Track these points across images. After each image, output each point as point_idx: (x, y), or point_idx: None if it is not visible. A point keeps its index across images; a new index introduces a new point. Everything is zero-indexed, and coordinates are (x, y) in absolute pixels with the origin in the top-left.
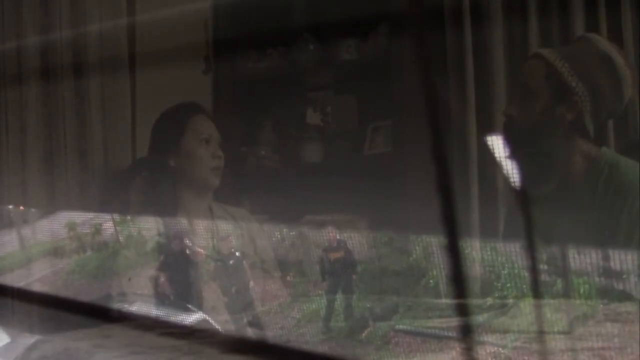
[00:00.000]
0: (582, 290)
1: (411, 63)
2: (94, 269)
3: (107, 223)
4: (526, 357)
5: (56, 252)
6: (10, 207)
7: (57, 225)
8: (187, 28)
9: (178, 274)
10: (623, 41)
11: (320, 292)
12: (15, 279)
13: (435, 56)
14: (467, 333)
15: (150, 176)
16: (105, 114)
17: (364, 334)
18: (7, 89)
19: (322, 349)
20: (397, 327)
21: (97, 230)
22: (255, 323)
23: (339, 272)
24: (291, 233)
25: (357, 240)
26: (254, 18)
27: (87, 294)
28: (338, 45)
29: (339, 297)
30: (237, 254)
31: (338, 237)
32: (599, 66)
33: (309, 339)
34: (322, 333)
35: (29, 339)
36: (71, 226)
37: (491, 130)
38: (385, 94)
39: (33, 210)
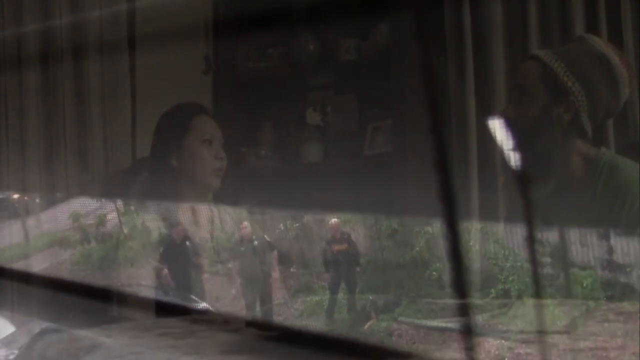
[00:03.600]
0: (581, 288)
1: (411, 63)
2: (97, 261)
3: (107, 224)
4: (530, 349)
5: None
6: (14, 197)
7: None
8: (187, 27)
9: (179, 274)
10: (623, 41)
11: (323, 284)
12: (19, 270)
13: (435, 56)
14: (469, 325)
15: (151, 176)
16: (106, 114)
17: (366, 326)
18: (9, 89)
19: (325, 341)
20: (400, 319)
21: (98, 230)
22: (258, 315)
23: (342, 264)
24: (295, 225)
25: (361, 233)
26: (254, 18)
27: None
28: (338, 45)
29: (342, 290)
30: (238, 250)
31: (342, 230)
32: (595, 66)
33: (312, 330)
34: (325, 325)
35: (34, 329)
36: (73, 224)
37: (490, 131)
38: (385, 94)
39: (36, 208)
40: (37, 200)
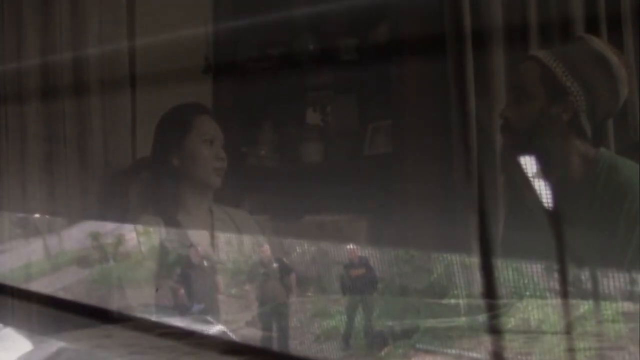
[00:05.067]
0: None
1: (411, 63)
2: (115, 280)
3: (126, 244)
4: None
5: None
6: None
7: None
8: (187, 27)
9: (196, 295)
10: (623, 41)
11: (340, 308)
12: (39, 287)
13: (434, 57)
14: (488, 352)
15: (152, 176)
16: (106, 114)
17: (383, 352)
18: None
19: None
20: (417, 346)
21: (116, 250)
22: (271, 337)
23: (359, 289)
24: (312, 248)
25: (378, 258)
26: (255, 18)
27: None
28: (338, 45)
29: (359, 314)
30: (257, 273)
31: (360, 255)
32: (594, 66)
33: (327, 355)
34: (341, 350)
35: (52, 347)
36: (92, 243)
37: (490, 131)
38: (385, 94)
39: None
40: (51, 218)
